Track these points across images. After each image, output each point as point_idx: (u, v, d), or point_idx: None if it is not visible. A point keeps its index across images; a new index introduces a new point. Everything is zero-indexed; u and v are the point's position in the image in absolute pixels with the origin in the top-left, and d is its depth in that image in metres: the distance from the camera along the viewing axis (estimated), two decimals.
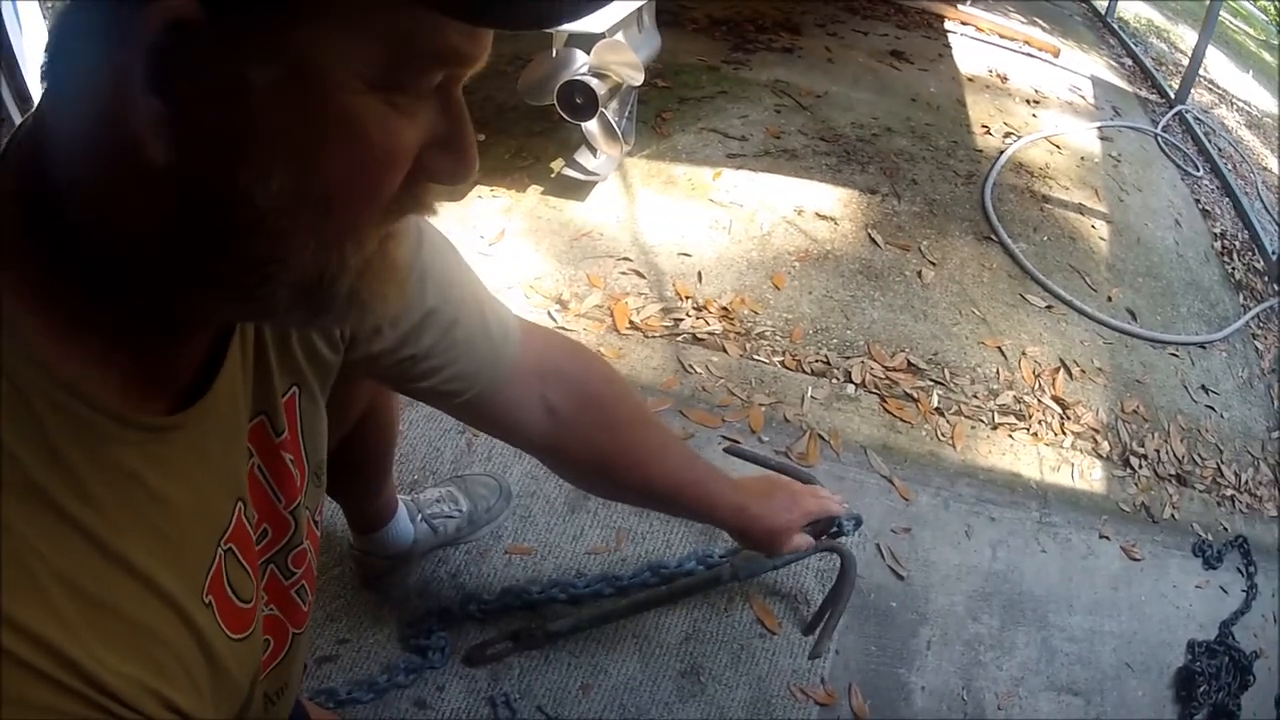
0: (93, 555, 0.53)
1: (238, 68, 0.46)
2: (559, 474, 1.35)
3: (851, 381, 2.50)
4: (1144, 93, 5.30)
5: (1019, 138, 4.01)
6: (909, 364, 2.60)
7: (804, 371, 2.50)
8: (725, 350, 2.51)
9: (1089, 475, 2.47)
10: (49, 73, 0.52)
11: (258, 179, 0.50)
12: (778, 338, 2.60)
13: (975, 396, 2.56)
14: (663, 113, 3.57)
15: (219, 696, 0.66)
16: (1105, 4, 6.66)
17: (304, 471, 0.84)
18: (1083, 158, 4.07)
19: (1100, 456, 2.54)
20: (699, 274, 2.78)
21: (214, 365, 0.67)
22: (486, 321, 1.03)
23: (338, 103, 0.49)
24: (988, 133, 4.02)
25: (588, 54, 2.65)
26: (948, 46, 4.94)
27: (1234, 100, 6.27)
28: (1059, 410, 2.62)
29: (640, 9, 2.96)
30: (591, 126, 2.76)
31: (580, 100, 2.65)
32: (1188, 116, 4.92)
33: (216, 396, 0.66)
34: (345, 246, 0.55)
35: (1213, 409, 2.88)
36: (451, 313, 0.98)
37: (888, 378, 2.53)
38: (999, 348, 2.76)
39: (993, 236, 3.25)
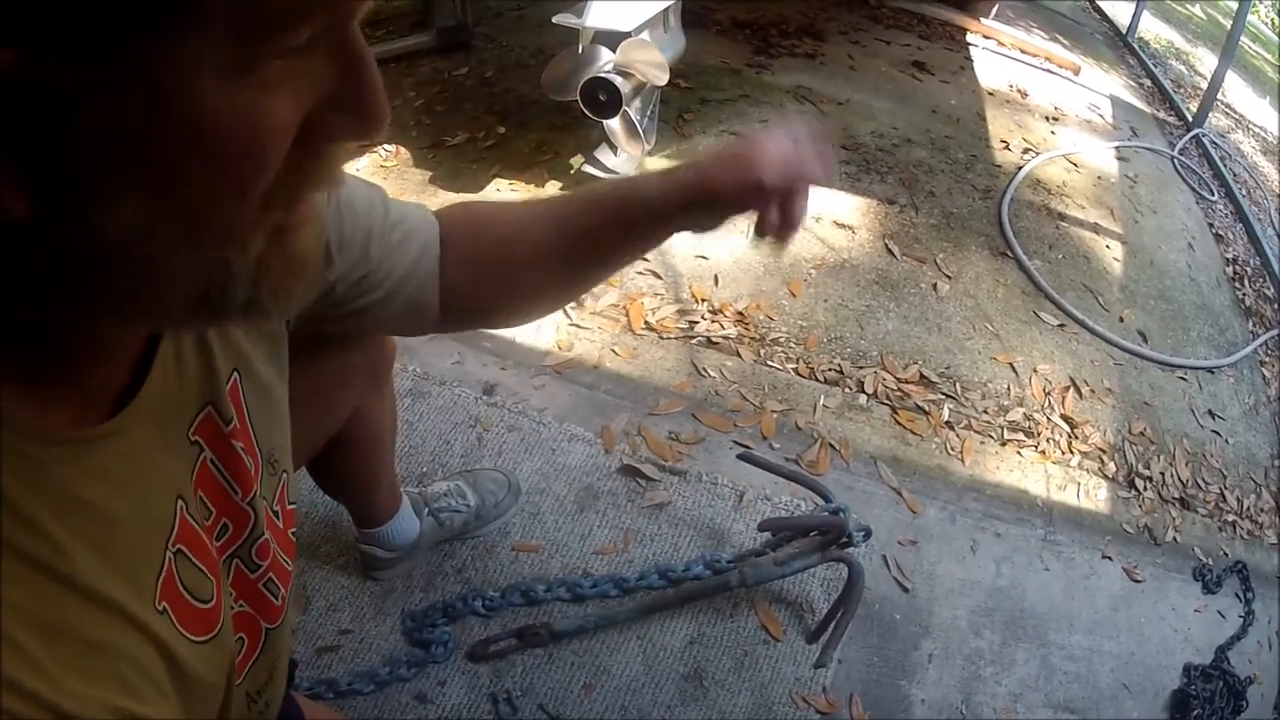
0: (40, 581, 0.52)
1: (66, 103, 0.42)
2: (484, 316, 1.14)
3: (864, 392, 2.50)
4: (1162, 114, 5.31)
5: (1037, 154, 4.02)
6: (921, 376, 2.61)
7: (817, 380, 2.51)
8: (739, 355, 2.51)
9: (1094, 495, 2.48)
10: None
11: (109, 215, 0.46)
12: (792, 345, 2.60)
13: (985, 412, 2.57)
14: (684, 113, 3.57)
15: (189, 701, 0.65)
16: (1127, 24, 6.66)
17: (257, 460, 0.81)
18: (1099, 177, 4.08)
19: (1106, 477, 2.54)
20: (715, 277, 2.78)
21: (148, 365, 0.65)
22: (409, 217, 1.00)
23: (179, 110, 0.44)
24: (1006, 148, 4.02)
25: (613, 51, 2.65)
26: (969, 59, 4.95)
27: (1251, 126, 6.27)
28: (1067, 429, 2.62)
29: (666, 9, 2.96)
30: (614, 124, 2.77)
31: (604, 97, 2.66)
32: (1205, 140, 4.92)
33: (146, 397, 0.64)
34: (226, 253, 0.51)
35: (1218, 434, 2.89)
36: (386, 223, 0.96)
37: (900, 389, 2.54)
38: (1011, 364, 2.76)
39: (1008, 252, 3.26)
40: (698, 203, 0.99)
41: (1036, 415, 2.63)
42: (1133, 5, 6.65)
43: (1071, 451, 2.56)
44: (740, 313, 2.66)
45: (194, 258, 0.50)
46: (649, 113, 3.05)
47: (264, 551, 0.83)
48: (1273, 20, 10.18)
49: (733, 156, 0.98)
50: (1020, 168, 3.83)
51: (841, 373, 2.54)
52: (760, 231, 1.02)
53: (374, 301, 0.97)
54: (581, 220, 1.04)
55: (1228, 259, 3.91)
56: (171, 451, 0.69)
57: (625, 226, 1.05)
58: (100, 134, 0.44)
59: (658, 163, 3.22)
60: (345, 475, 1.56)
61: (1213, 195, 4.40)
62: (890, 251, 3.09)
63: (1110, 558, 2.32)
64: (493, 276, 1.06)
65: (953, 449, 2.42)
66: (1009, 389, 2.68)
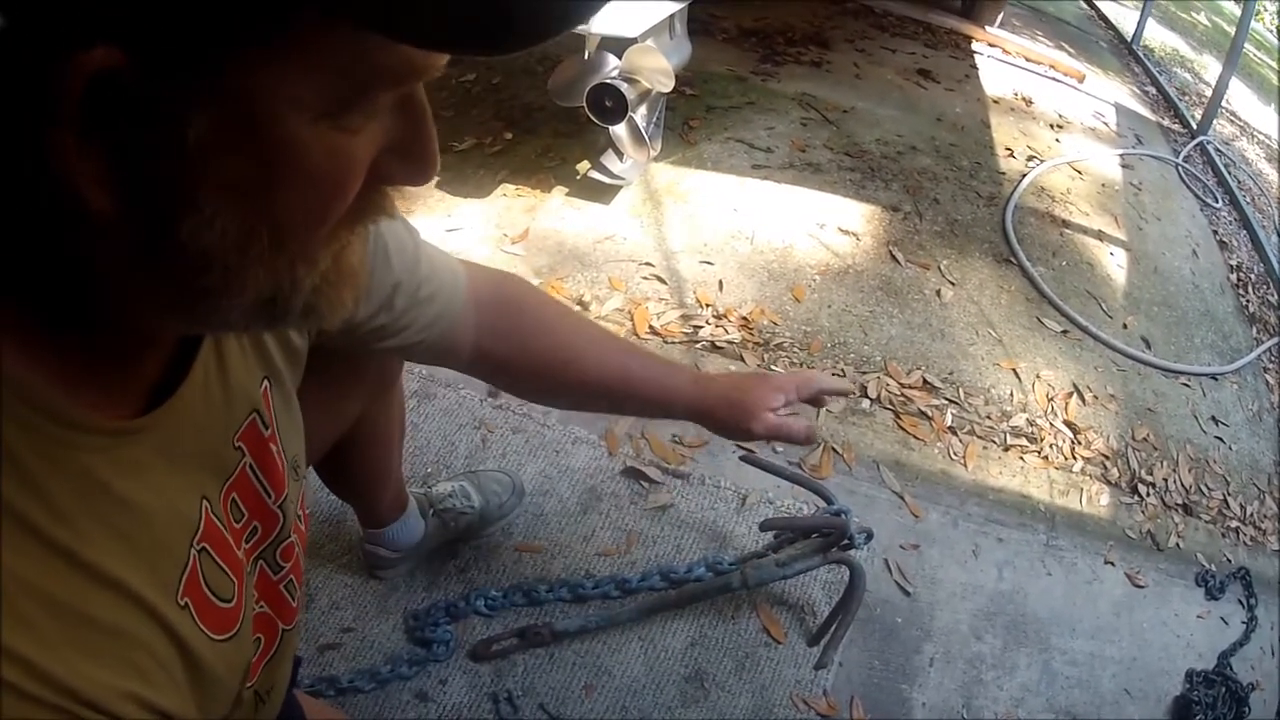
0: (61, 565, 0.53)
1: (172, 113, 0.45)
2: (502, 388, 1.35)
3: (867, 397, 2.51)
4: (1167, 122, 5.31)
5: (1042, 161, 4.02)
6: (925, 382, 2.61)
7: None
8: (743, 360, 2.52)
9: (1097, 500, 2.48)
10: None
11: (202, 224, 0.49)
12: (796, 350, 2.61)
13: (988, 417, 2.58)
14: (690, 120, 3.59)
15: (204, 698, 0.65)
16: (1131, 31, 6.67)
17: (284, 464, 0.84)
18: (1104, 184, 4.08)
19: (1109, 483, 2.55)
20: (720, 282, 2.80)
21: (186, 363, 0.67)
22: (438, 270, 1.08)
23: (280, 139, 0.48)
24: (1011, 155, 4.03)
25: (619, 58, 2.66)
26: (974, 67, 4.95)
27: (1255, 133, 6.27)
28: (1070, 435, 2.63)
29: (673, 16, 2.97)
30: (619, 130, 2.78)
31: (610, 104, 2.67)
32: (1209, 148, 4.92)
33: (184, 397, 0.65)
34: (297, 268, 0.55)
35: (1221, 440, 2.89)
36: (415, 278, 1.02)
37: (903, 394, 2.55)
38: (1014, 370, 2.77)
39: (1012, 259, 3.26)
40: (699, 422, 1.34)
41: (1039, 421, 2.63)
42: (1137, 13, 6.66)
43: (1074, 457, 2.57)
44: (744, 318, 2.67)
45: (268, 271, 0.53)
46: (655, 119, 3.06)
47: (288, 554, 0.85)
48: (1277, 27, 10.18)
49: (736, 405, 1.30)
50: (1024, 175, 3.84)
51: (845, 377, 2.55)
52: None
53: (393, 346, 1.07)
54: (610, 377, 1.28)
55: (1231, 266, 3.91)
56: (207, 454, 0.70)
57: (638, 403, 1.38)
58: (205, 148, 0.46)
59: (663, 169, 3.24)
60: (354, 476, 1.58)
61: (1217, 202, 4.40)
62: (894, 258, 3.09)
63: (1113, 563, 2.33)
64: (519, 365, 1.24)
65: (955, 454, 2.43)
66: (1012, 395, 2.68)
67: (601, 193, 3.05)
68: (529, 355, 1.24)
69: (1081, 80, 5.24)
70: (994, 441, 2.52)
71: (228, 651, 0.69)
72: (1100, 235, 3.65)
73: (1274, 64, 9.08)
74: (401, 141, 0.55)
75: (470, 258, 2.67)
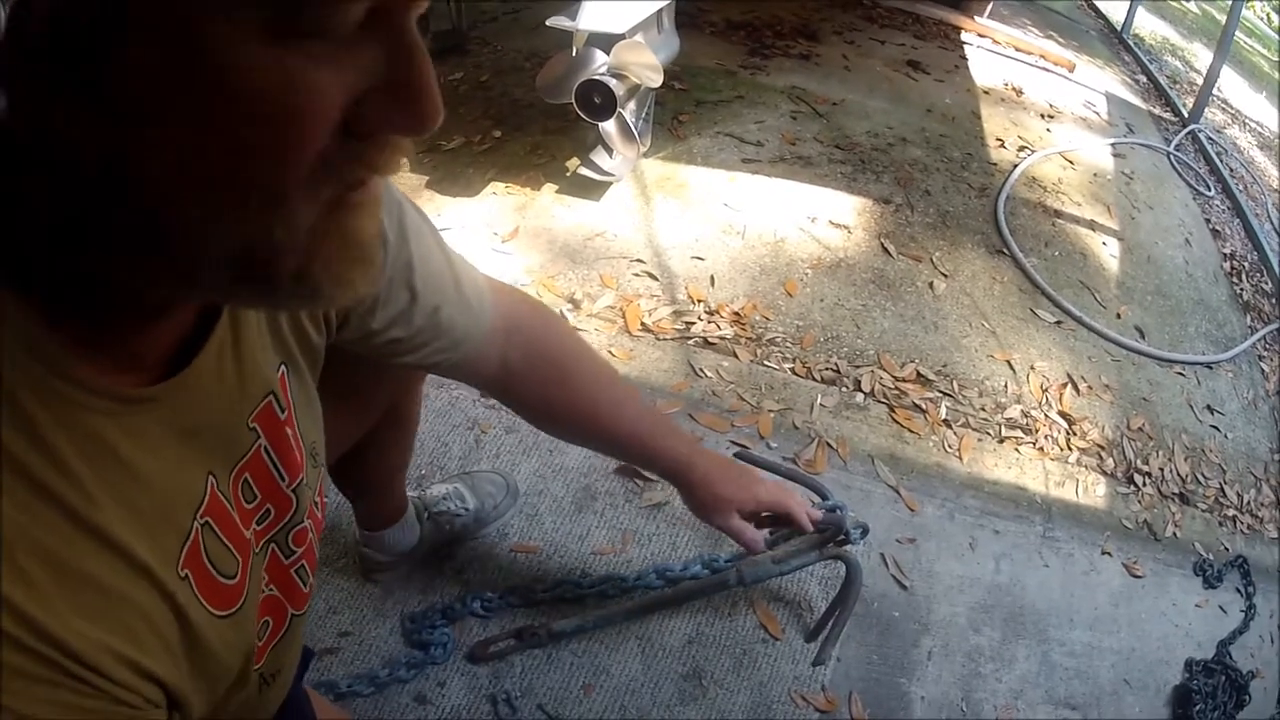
0: (64, 523, 0.53)
1: (111, 37, 0.44)
2: (512, 410, 1.38)
3: (861, 390, 2.50)
4: (1158, 110, 5.31)
5: (1033, 152, 4.02)
6: (918, 375, 2.61)
7: (814, 379, 2.51)
8: (736, 355, 2.52)
9: (1093, 491, 2.48)
10: None
11: (144, 156, 0.46)
12: (789, 344, 2.61)
13: (983, 409, 2.57)
14: (679, 115, 3.58)
15: (200, 672, 0.65)
16: (1121, 20, 6.67)
17: (301, 449, 0.84)
18: (1095, 174, 4.08)
19: (1105, 473, 2.54)
20: (711, 278, 2.79)
21: (202, 340, 0.66)
22: (465, 296, 1.08)
23: (222, 61, 0.44)
24: (1002, 146, 4.02)
25: (607, 54, 2.65)
26: (964, 58, 4.95)
27: (1247, 121, 6.27)
28: (1065, 425, 2.62)
29: (660, 11, 2.96)
30: (608, 127, 2.77)
31: (598, 100, 2.66)
32: (1200, 136, 4.92)
33: (196, 372, 0.65)
34: (270, 221, 0.50)
35: (1217, 429, 2.89)
36: (436, 297, 1.01)
37: (897, 388, 2.54)
38: (1008, 361, 2.76)
39: (1004, 250, 3.26)
40: (676, 486, 1.52)
41: (1034, 412, 2.63)
42: (1127, 2, 6.66)
43: (1070, 448, 2.56)
44: (736, 313, 2.66)
45: (227, 219, 0.49)
46: (644, 115, 3.05)
47: (300, 538, 0.86)
48: (1268, 15, 10.19)
49: (714, 493, 1.48)
50: (1016, 165, 3.84)
51: (838, 372, 2.55)
52: None
53: (411, 363, 1.07)
54: (617, 436, 1.41)
55: (1225, 254, 3.91)
56: (216, 430, 0.70)
57: (633, 459, 1.63)
58: (140, 72, 0.44)
59: (653, 165, 3.23)
60: (367, 474, 1.58)
61: (1209, 191, 4.40)
62: (886, 250, 3.09)
63: (1110, 554, 2.32)
64: (535, 405, 1.34)
65: (950, 447, 2.43)
66: (1006, 386, 2.68)
67: (591, 189, 3.04)
68: (548, 401, 1.32)
69: (1072, 70, 5.24)
70: (989, 434, 2.51)
71: (226, 629, 0.69)
72: (1093, 225, 3.65)
73: (1266, 52, 9.09)
74: (388, 82, 0.49)
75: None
